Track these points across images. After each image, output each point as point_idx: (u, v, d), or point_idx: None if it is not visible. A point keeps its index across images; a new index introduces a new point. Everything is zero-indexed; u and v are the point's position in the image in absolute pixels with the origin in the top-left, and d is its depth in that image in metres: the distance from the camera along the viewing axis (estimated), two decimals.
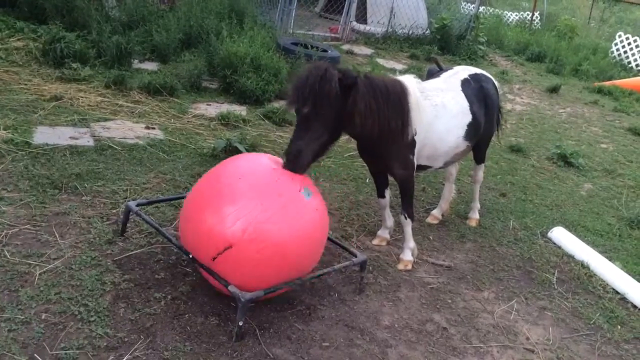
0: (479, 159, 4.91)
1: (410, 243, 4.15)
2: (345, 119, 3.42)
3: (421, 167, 4.15)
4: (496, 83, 4.80)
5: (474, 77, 4.54)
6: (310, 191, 3.28)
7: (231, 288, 3.03)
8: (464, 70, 4.62)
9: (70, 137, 4.93)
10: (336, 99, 3.29)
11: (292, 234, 3.10)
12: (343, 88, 3.32)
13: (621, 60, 15.45)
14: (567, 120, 9.46)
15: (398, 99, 3.64)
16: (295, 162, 3.25)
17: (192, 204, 3.26)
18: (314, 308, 3.48)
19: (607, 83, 12.57)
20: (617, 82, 12.72)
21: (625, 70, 14.76)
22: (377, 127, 3.53)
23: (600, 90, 11.96)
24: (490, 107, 4.55)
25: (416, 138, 3.86)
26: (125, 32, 7.56)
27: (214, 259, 3.06)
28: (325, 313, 3.46)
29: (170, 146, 5.23)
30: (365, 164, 4.28)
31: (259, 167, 3.31)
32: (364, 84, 3.43)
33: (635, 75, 14.17)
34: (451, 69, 4.73)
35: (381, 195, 4.26)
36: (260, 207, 3.04)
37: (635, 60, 15.04)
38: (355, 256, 3.69)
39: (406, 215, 4.06)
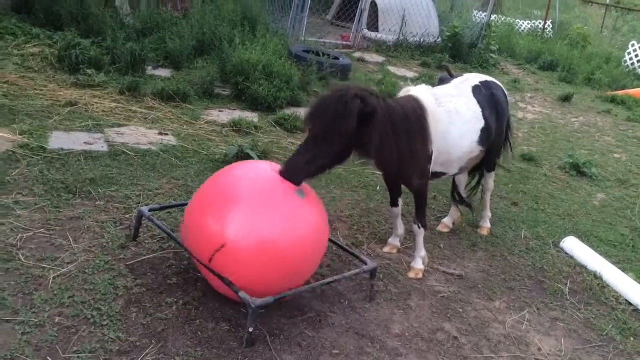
0: (490, 167, 4.90)
1: (422, 252, 4.14)
2: (359, 146, 3.43)
3: (436, 175, 4.14)
4: (505, 91, 4.80)
5: (485, 84, 4.55)
6: (304, 193, 3.32)
7: (242, 294, 3.04)
8: (475, 78, 4.63)
9: (85, 143, 4.98)
10: (353, 130, 3.30)
11: (287, 234, 3.12)
12: (361, 116, 3.29)
13: (634, 69, 15.35)
14: (579, 129, 9.42)
15: (419, 123, 3.66)
16: (290, 175, 3.25)
17: (191, 209, 3.32)
18: (324, 315, 3.48)
19: (620, 92, 12.49)
20: (631, 91, 12.63)
21: (639, 79, 14.66)
22: (395, 155, 3.55)
23: (613, 100, 11.89)
24: (501, 114, 4.55)
25: (433, 147, 3.86)
26: (139, 39, 7.63)
27: (210, 260, 3.10)
28: (336, 320, 3.46)
29: (183, 152, 5.27)
30: (377, 172, 4.27)
31: (256, 171, 3.37)
32: (382, 114, 3.38)
33: None
34: (461, 76, 4.74)
35: (394, 204, 4.27)
36: (255, 208, 3.10)
37: None
38: (366, 264, 3.69)
39: (420, 225, 4.05)
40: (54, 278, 3.26)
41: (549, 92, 11.88)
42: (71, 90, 6.08)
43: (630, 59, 15.56)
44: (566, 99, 11.21)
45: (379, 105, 3.38)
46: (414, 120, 3.65)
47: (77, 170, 4.49)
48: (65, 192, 4.17)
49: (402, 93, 4.04)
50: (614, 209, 6.20)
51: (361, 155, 3.57)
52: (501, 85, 4.74)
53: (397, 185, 4.21)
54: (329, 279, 3.49)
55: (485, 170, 4.91)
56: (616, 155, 8.29)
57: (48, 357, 2.72)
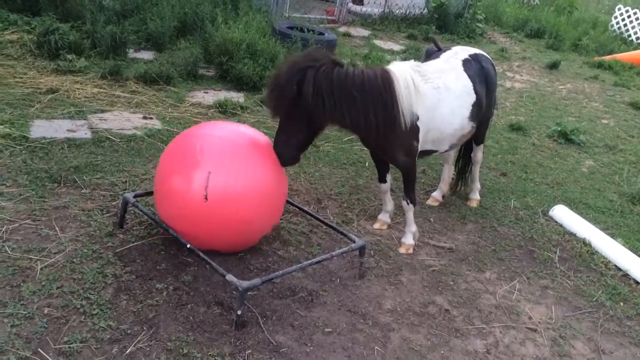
0: (479, 139, 4.87)
1: (412, 227, 4.14)
2: (321, 116, 3.51)
3: (426, 152, 4.12)
4: (494, 63, 4.75)
5: (474, 57, 4.50)
6: None
7: (229, 277, 3.04)
8: (464, 51, 4.57)
9: (68, 130, 4.91)
10: (298, 99, 3.38)
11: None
12: (298, 84, 3.37)
13: (621, 33, 15.28)
14: (567, 96, 9.40)
15: (376, 91, 3.56)
16: (286, 161, 3.58)
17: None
18: (316, 294, 3.48)
19: (607, 57, 12.44)
20: (618, 56, 12.59)
21: (626, 43, 14.61)
22: (351, 121, 3.54)
23: (600, 65, 11.85)
24: (491, 87, 4.52)
25: (419, 123, 3.82)
26: (119, 22, 7.50)
27: (206, 197, 3.22)
28: (328, 299, 3.47)
29: (169, 136, 5.20)
30: (366, 149, 4.24)
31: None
32: (322, 78, 3.39)
33: (635, 49, 14.02)
34: (450, 49, 4.67)
35: (382, 180, 4.25)
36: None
37: (636, 33, 14.88)
38: (354, 242, 3.69)
39: (408, 201, 4.04)
40: (41, 269, 3.23)
41: (536, 60, 11.83)
42: (52, 77, 5.97)
43: (617, 23, 15.49)
44: (553, 66, 11.16)
45: (316, 73, 3.38)
46: (374, 88, 3.55)
47: (61, 159, 4.44)
48: (50, 181, 4.12)
49: None
50: (602, 175, 6.22)
51: (334, 125, 3.73)
52: (490, 58, 4.69)
53: (384, 161, 4.19)
54: (319, 258, 3.49)
55: (474, 143, 4.88)
56: (604, 121, 8.29)
57: (39, 349, 2.71)
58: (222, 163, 3.29)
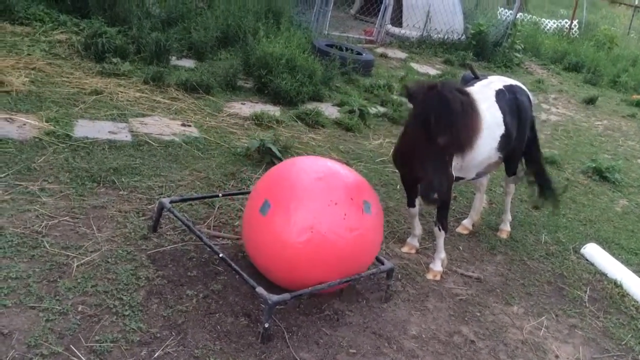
0: (510, 171, 4.85)
1: (442, 254, 4.13)
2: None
3: (455, 179, 4.12)
4: (530, 95, 4.74)
5: (509, 88, 4.50)
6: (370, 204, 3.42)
7: (259, 290, 3.07)
8: (499, 81, 4.57)
9: (109, 132, 5.03)
10: None
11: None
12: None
13: None
14: (603, 133, 9.29)
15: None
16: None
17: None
18: (342, 313, 3.49)
19: None
20: None
21: None
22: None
23: (638, 104, 11.70)
24: (523, 120, 4.50)
25: None
26: (164, 29, 7.68)
27: None
28: (353, 319, 3.47)
29: (205, 144, 5.30)
30: (399, 171, 4.25)
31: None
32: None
33: None
34: (486, 78, 4.68)
35: (411, 204, 4.25)
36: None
37: None
38: (383, 264, 3.69)
39: (440, 227, 4.04)
40: (77, 266, 3.31)
41: (573, 93, 11.73)
42: (96, 79, 6.14)
43: None
44: (590, 101, 11.05)
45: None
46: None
47: (101, 159, 4.55)
48: (90, 180, 4.22)
49: None
50: (636, 216, 6.12)
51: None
52: (526, 90, 4.68)
53: (414, 185, 4.19)
54: (347, 278, 3.49)
55: (506, 174, 4.86)
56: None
57: (71, 345, 2.77)
58: None
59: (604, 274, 4.66)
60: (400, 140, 3.86)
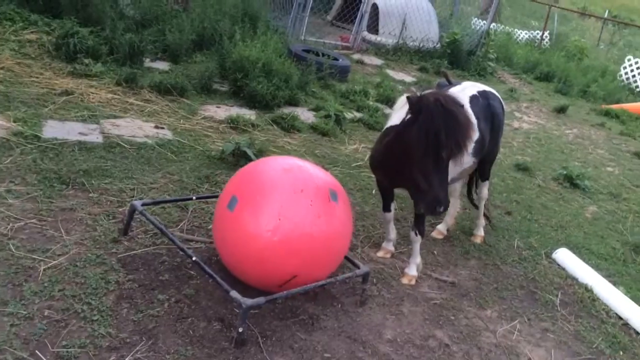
0: (484, 176, 4.90)
1: (417, 259, 4.13)
2: None
3: None
4: (502, 101, 4.80)
5: (482, 94, 4.55)
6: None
7: (233, 293, 3.02)
8: (472, 87, 4.62)
9: (80, 133, 4.92)
10: None
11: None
12: None
13: (629, 84, 15.47)
14: (573, 141, 9.46)
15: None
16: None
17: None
18: (316, 318, 3.46)
19: (615, 106, 12.57)
20: (625, 105, 12.72)
21: (633, 94, 14.78)
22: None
23: (607, 113, 11.97)
24: (497, 125, 4.55)
25: None
26: (138, 31, 7.56)
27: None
28: (328, 324, 3.44)
29: (179, 147, 5.22)
30: (375, 177, 4.22)
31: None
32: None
33: None
34: (459, 84, 4.73)
35: (387, 209, 4.24)
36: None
37: None
38: (359, 268, 3.67)
39: (417, 232, 4.03)
40: (44, 270, 3.21)
41: (544, 102, 11.94)
42: (67, 79, 6.01)
43: (626, 73, 15.68)
44: (561, 110, 11.26)
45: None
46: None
47: (71, 161, 4.44)
48: (58, 182, 4.11)
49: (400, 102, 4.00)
50: (605, 222, 6.22)
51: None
52: (498, 96, 4.74)
53: (391, 190, 4.19)
54: (322, 282, 3.46)
55: (480, 179, 4.91)
56: (609, 169, 8.33)
57: (36, 351, 2.68)
58: None
59: (574, 279, 4.72)
60: (383, 147, 3.81)
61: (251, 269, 3.24)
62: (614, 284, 4.67)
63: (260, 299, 3.05)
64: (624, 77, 15.69)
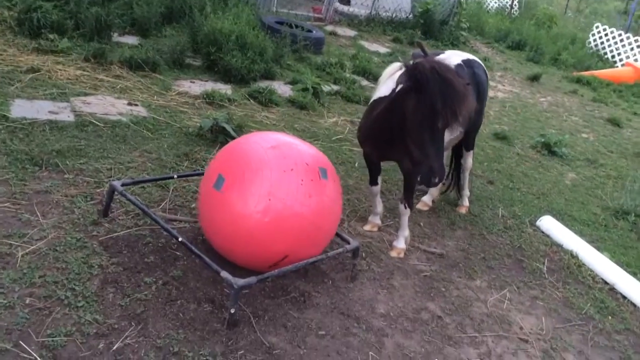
0: (469, 146, 4.85)
1: (405, 231, 4.08)
2: None
3: None
4: (485, 69, 4.74)
5: (467, 62, 4.47)
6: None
7: (223, 274, 2.92)
8: (456, 56, 4.54)
9: (50, 112, 4.69)
10: None
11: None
12: None
13: (597, 50, 15.61)
14: (548, 109, 9.51)
15: None
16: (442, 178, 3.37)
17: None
18: (308, 295, 3.38)
19: (586, 73, 12.69)
20: (595, 72, 12.86)
21: (602, 60, 14.93)
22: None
23: (579, 80, 12.08)
24: (482, 94, 4.50)
25: None
26: (104, 4, 7.21)
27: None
28: (320, 300, 3.37)
29: (155, 124, 5.03)
30: (363, 150, 4.09)
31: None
32: None
33: (611, 66, 14.35)
34: (443, 53, 4.64)
35: (375, 182, 4.17)
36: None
37: (612, 51, 15.21)
38: (349, 243, 3.60)
39: (406, 205, 3.97)
40: (22, 256, 3.05)
41: (517, 71, 11.97)
42: (32, 56, 5.72)
43: (594, 40, 15.81)
44: (534, 78, 11.31)
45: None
46: None
47: (43, 141, 4.23)
48: (31, 164, 3.91)
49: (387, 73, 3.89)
50: (585, 188, 6.28)
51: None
52: (482, 64, 4.67)
53: (379, 163, 4.11)
54: (313, 258, 3.38)
55: (464, 149, 4.86)
56: (584, 135, 8.41)
57: (20, 341, 2.54)
58: None
59: (559, 245, 4.75)
60: (373, 119, 3.70)
61: (240, 250, 3.14)
62: (598, 249, 4.72)
63: (252, 279, 2.95)
64: (592, 44, 15.83)
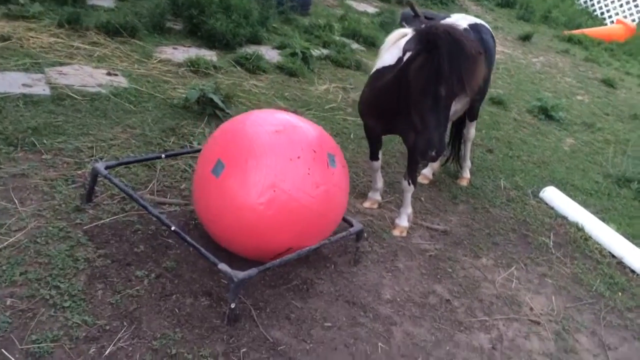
0: (472, 115, 4.63)
1: (408, 209, 3.88)
2: None
3: None
4: (493, 33, 4.48)
5: (474, 27, 4.21)
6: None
7: (222, 267, 2.70)
8: (463, 20, 4.26)
9: (23, 85, 4.34)
10: None
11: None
12: None
13: (587, 7, 15.32)
14: (541, 70, 9.28)
15: None
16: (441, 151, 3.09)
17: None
18: (310, 282, 3.19)
19: (577, 32, 12.43)
20: (586, 30, 12.61)
21: (592, 18, 14.65)
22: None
23: (570, 39, 11.84)
24: (489, 60, 4.24)
25: None
26: None
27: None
28: (324, 288, 3.18)
29: (137, 96, 4.71)
30: (365, 123, 3.83)
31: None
32: None
33: (601, 24, 14.10)
34: (449, 17, 4.36)
35: (375, 157, 3.94)
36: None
37: (601, 8, 14.92)
38: (352, 225, 3.39)
39: (410, 181, 3.76)
40: (0, 250, 2.79)
41: (508, 30, 11.66)
42: (2, 23, 5.29)
43: None
44: (526, 38, 11.04)
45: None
46: None
47: (17, 118, 3.90)
48: (5, 143, 3.60)
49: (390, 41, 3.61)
50: (584, 154, 6.13)
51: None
52: (489, 28, 4.41)
53: (381, 137, 3.88)
54: (316, 245, 3.15)
55: (468, 119, 4.63)
56: (579, 97, 8.23)
57: (2, 349, 2.31)
58: None
59: (564, 217, 4.60)
60: (377, 90, 3.45)
61: (240, 241, 2.91)
62: (603, 220, 4.58)
63: (252, 271, 2.73)
64: (582, 1, 15.51)
